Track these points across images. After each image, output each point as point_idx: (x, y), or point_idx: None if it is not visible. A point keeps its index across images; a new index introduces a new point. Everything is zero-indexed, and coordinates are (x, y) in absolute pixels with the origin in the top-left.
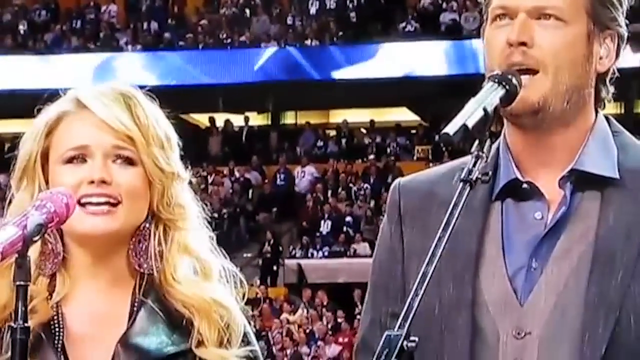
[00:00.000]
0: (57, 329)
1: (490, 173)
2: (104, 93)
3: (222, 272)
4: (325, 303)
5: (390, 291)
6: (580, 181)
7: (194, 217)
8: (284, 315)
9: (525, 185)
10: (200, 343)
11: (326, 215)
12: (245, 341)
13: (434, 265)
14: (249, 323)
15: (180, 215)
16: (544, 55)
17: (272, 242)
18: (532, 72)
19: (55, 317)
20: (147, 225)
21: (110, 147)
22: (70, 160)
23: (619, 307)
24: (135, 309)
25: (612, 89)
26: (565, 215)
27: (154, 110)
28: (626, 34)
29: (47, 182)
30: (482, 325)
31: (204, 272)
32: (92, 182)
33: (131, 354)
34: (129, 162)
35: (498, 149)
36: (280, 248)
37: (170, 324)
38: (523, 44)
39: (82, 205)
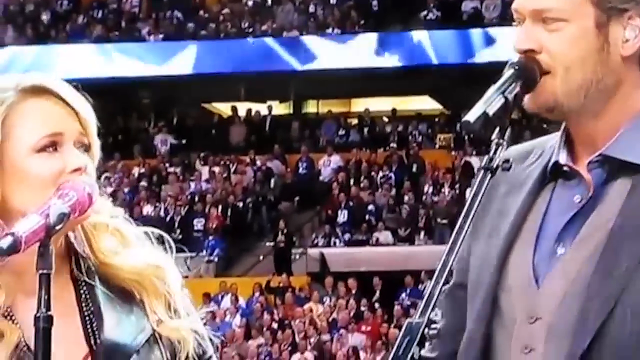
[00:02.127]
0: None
1: (511, 160)
2: (54, 79)
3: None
4: (351, 291)
5: (460, 264)
6: (613, 168)
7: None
8: (308, 305)
9: (565, 168)
10: (159, 322)
11: (348, 204)
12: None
13: (454, 254)
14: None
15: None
16: (552, 58)
17: (285, 231)
18: (544, 73)
19: (9, 318)
20: None
21: (78, 134)
22: (43, 149)
23: (615, 299)
24: (83, 292)
25: None
26: (591, 201)
27: None
28: None
29: None
30: (502, 308)
31: (123, 240)
32: (75, 170)
33: (111, 354)
34: (86, 148)
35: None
36: (293, 238)
37: (126, 307)
38: (530, 51)
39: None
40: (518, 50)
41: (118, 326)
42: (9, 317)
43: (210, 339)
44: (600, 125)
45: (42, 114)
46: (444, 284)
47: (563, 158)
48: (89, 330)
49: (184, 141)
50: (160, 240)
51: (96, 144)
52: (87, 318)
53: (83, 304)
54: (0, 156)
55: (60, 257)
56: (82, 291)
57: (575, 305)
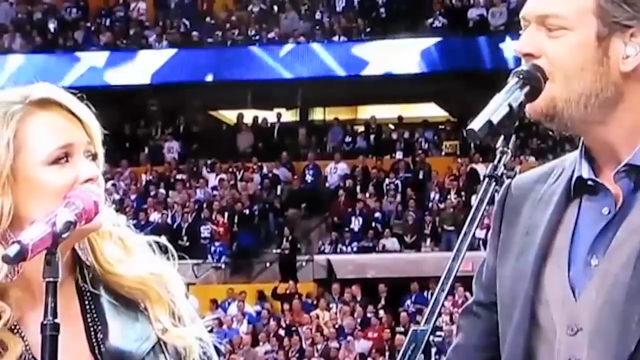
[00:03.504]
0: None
1: (515, 169)
2: (59, 90)
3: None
4: (357, 298)
5: (483, 282)
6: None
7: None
8: (314, 311)
9: (590, 183)
10: (164, 330)
11: (355, 211)
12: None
13: (459, 262)
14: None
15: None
16: (551, 65)
17: (290, 238)
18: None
19: (16, 331)
20: None
21: (86, 144)
22: (56, 161)
23: None
24: (88, 302)
25: None
26: (622, 211)
27: None
28: None
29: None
30: (541, 322)
31: (125, 248)
32: (88, 180)
33: None
34: (93, 157)
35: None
36: (299, 245)
37: (130, 315)
38: (529, 55)
39: None
40: (517, 53)
41: (123, 334)
42: (15, 330)
43: (216, 347)
44: (614, 135)
45: (53, 126)
46: (449, 292)
47: (585, 172)
48: (94, 340)
49: (191, 148)
50: (164, 249)
51: (101, 153)
52: (91, 328)
53: (87, 314)
54: (14, 168)
55: (67, 268)
56: (86, 301)
57: (615, 313)
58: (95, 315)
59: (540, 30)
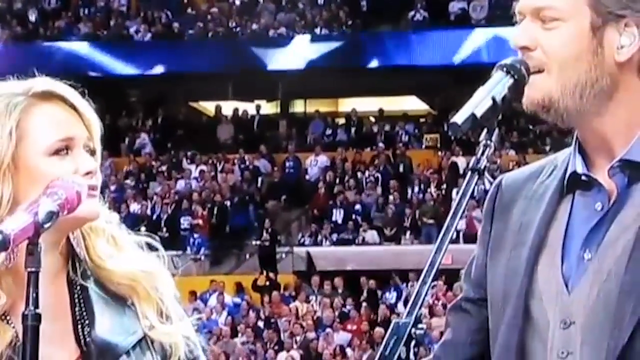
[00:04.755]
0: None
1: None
2: (63, 85)
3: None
4: (337, 290)
5: (472, 279)
6: (634, 171)
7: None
8: (294, 303)
9: (584, 178)
10: (151, 327)
11: (335, 204)
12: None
13: (442, 254)
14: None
15: None
16: (546, 56)
17: (270, 230)
18: (539, 71)
19: (6, 319)
20: None
21: (86, 139)
22: (56, 152)
23: None
24: (77, 293)
25: None
26: (616, 206)
27: None
28: None
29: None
30: (534, 315)
31: (117, 246)
32: (87, 173)
33: (102, 353)
34: (92, 152)
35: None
36: (279, 237)
37: (118, 309)
38: (525, 48)
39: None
40: (514, 46)
41: (110, 327)
42: (4, 318)
43: (203, 348)
44: (609, 127)
45: (55, 119)
46: (431, 285)
47: (580, 167)
48: (80, 331)
49: (171, 139)
50: (154, 248)
51: (99, 149)
52: (79, 319)
53: (76, 306)
54: (15, 157)
55: (62, 258)
56: (76, 293)
57: (609, 306)
58: (83, 307)
59: (535, 22)
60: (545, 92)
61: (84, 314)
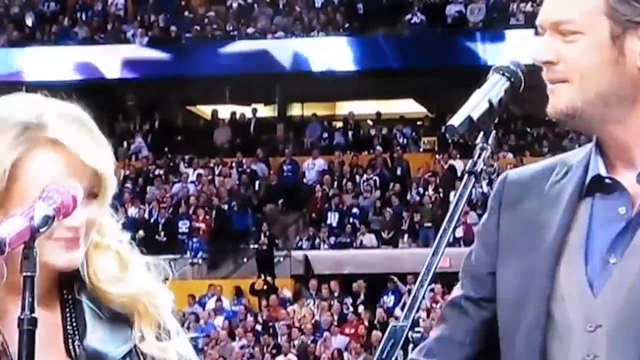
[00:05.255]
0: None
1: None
2: (70, 119)
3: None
4: (335, 294)
5: (473, 277)
6: None
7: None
8: (292, 307)
9: (608, 181)
10: (142, 338)
11: (333, 207)
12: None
13: (439, 257)
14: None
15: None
16: (569, 68)
17: (268, 233)
18: (563, 81)
19: None
20: None
21: (83, 189)
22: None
23: None
24: (68, 307)
25: None
26: None
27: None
28: None
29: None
30: (557, 318)
31: (121, 264)
32: (73, 227)
33: None
34: (94, 196)
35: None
36: (277, 240)
37: (111, 320)
38: (548, 62)
39: (56, 239)
40: (536, 62)
41: (101, 336)
42: None
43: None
44: (632, 134)
45: (55, 169)
46: (428, 288)
47: (603, 170)
48: (70, 343)
49: (168, 143)
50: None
51: (109, 188)
52: (69, 330)
53: (67, 317)
54: (9, 189)
55: (56, 272)
56: (67, 304)
57: (637, 311)
58: (74, 318)
59: (555, 36)
60: (569, 101)
61: (75, 324)
